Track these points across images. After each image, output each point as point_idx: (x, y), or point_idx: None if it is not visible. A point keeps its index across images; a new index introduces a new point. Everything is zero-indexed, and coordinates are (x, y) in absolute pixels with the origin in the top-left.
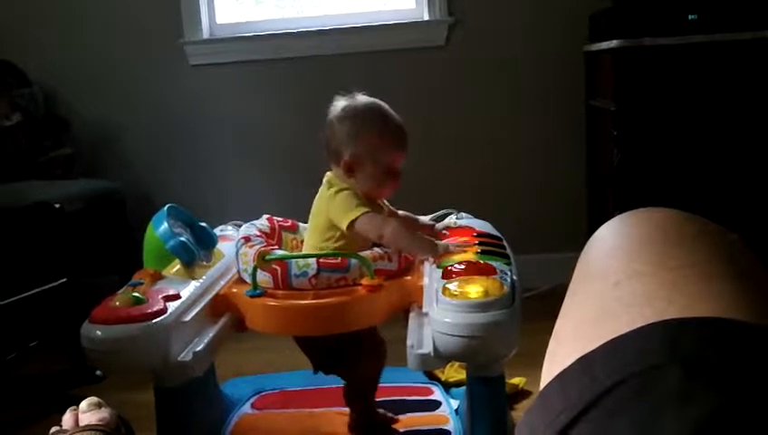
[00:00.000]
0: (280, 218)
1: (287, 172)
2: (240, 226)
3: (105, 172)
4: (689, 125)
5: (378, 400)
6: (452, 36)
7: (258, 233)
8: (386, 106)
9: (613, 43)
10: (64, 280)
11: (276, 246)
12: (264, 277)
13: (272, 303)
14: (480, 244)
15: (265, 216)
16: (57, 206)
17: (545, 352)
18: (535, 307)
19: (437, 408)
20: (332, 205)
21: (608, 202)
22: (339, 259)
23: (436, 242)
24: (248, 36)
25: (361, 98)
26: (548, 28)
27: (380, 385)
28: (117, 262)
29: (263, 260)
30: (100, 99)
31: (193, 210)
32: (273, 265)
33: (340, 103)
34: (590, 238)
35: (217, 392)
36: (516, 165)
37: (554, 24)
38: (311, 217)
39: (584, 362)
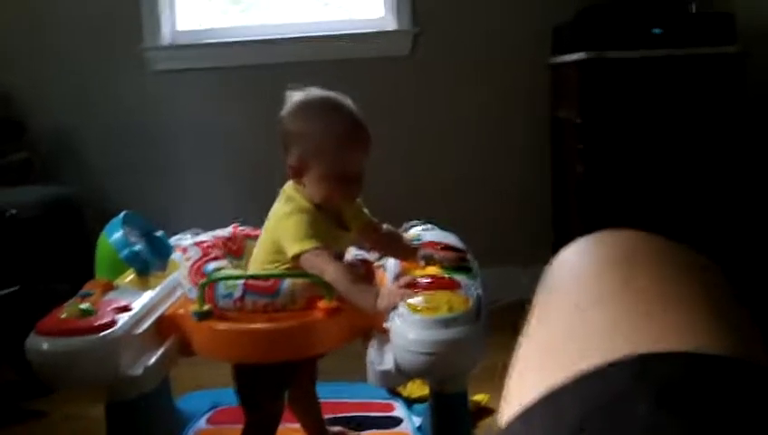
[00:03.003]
0: (248, 228)
1: (251, 181)
2: (199, 234)
3: (63, 178)
4: (654, 138)
5: (338, 416)
6: (417, 46)
7: (207, 241)
8: (342, 99)
9: (577, 56)
10: (17, 288)
11: (218, 258)
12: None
13: (220, 326)
14: None
15: (232, 225)
16: (11, 212)
17: (508, 367)
18: (497, 320)
19: (399, 424)
20: (283, 227)
21: (573, 215)
22: (270, 282)
23: (381, 292)
24: (210, 43)
25: (315, 91)
26: (513, 39)
27: (342, 400)
28: (73, 270)
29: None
30: (59, 103)
31: (154, 218)
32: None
33: (291, 99)
34: (554, 259)
35: (171, 407)
36: (481, 177)
37: (519, 35)
38: (262, 230)
39: (549, 401)
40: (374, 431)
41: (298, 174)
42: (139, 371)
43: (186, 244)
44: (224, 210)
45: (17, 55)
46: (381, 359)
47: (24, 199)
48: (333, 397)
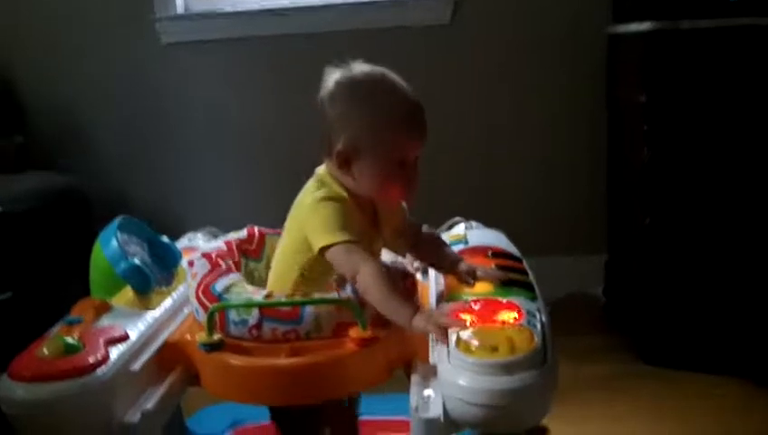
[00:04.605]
0: (269, 230)
1: (277, 166)
2: (215, 235)
3: (65, 165)
4: (730, 119)
5: None
6: (458, 14)
7: (216, 250)
8: (393, 76)
9: (644, 26)
10: (9, 294)
11: (224, 266)
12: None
13: (233, 361)
14: (497, 267)
15: (246, 227)
16: None
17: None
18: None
19: None
20: (312, 217)
21: (634, 203)
22: (291, 307)
23: (422, 310)
24: (228, 12)
25: (360, 67)
26: (565, 6)
27: (368, 418)
28: (79, 269)
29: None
30: (60, 81)
31: (168, 210)
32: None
33: (332, 77)
34: None
35: (184, 431)
36: (526, 158)
37: (573, 1)
38: (288, 218)
39: None
40: None
41: (346, 162)
42: (135, 417)
43: (192, 256)
44: (250, 201)
45: (14, 30)
46: (427, 404)
47: (18, 190)
48: (365, 414)
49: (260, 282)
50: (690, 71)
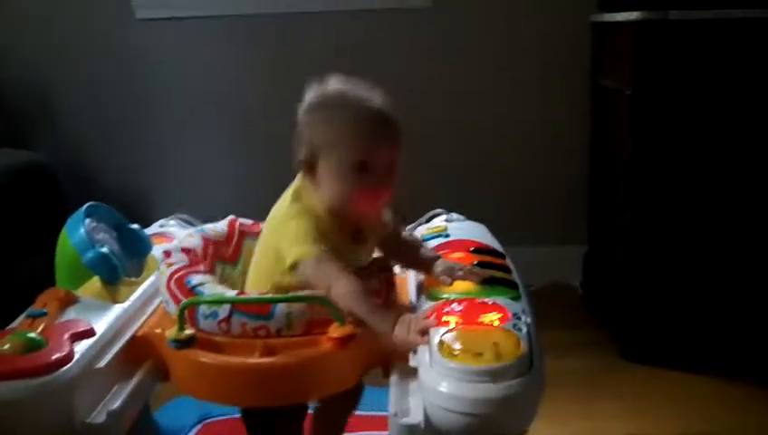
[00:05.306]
0: (249, 222)
1: (258, 153)
2: (188, 223)
3: (34, 143)
4: (718, 113)
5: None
6: None
7: (195, 249)
8: (362, 88)
9: (634, 16)
10: None
11: (202, 268)
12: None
13: (204, 359)
14: (479, 264)
15: (230, 217)
16: None
17: None
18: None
19: None
20: (283, 229)
21: (618, 195)
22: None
23: (401, 317)
24: None
25: (334, 80)
26: None
27: (357, 413)
28: (47, 251)
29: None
30: (30, 55)
31: (141, 190)
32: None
33: (308, 93)
34: None
35: (151, 426)
36: (507, 147)
37: None
38: (262, 232)
39: None
40: None
41: (309, 170)
42: (101, 418)
43: (170, 246)
44: (219, 181)
45: None
46: (406, 407)
47: None
48: None
49: (234, 288)
50: (678, 62)
